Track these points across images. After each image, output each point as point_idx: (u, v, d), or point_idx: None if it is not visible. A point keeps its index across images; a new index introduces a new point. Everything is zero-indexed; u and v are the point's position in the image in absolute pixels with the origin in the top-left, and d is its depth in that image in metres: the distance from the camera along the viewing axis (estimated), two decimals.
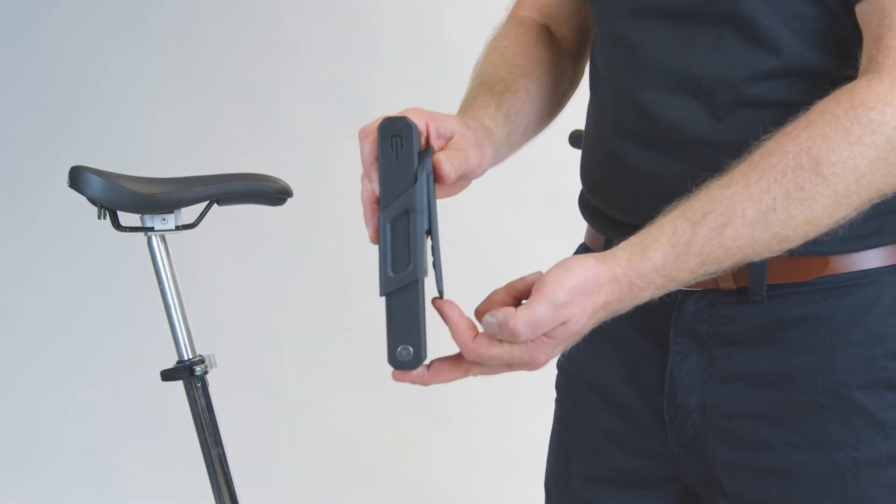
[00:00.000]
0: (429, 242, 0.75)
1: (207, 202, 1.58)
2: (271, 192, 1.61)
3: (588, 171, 0.99)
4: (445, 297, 0.77)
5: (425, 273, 0.73)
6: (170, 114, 3.12)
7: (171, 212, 1.57)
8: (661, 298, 0.79)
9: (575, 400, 1.01)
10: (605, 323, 0.79)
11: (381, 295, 0.71)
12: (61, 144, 3.19)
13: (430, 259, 0.75)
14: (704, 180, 0.78)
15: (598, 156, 0.96)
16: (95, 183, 1.48)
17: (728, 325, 0.88)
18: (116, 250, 3.07)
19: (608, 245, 0.93)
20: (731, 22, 0.82)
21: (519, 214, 2.75)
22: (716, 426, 0.89)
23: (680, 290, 0.82)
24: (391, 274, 0.70)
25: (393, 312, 0.71)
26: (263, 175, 1.62)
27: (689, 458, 0.92)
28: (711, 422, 0.89)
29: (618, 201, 0.93)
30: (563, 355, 0.85)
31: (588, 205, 1.00)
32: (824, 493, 0.84)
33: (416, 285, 0.71)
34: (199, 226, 1.61)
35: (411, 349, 0.72)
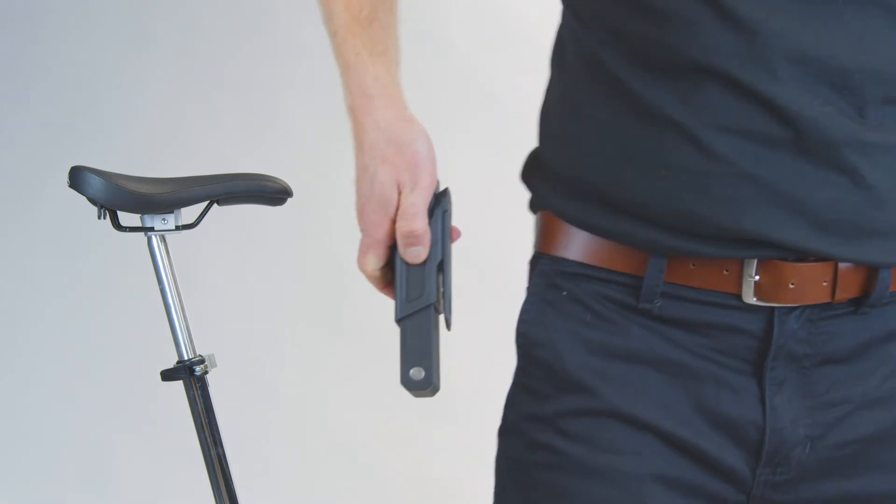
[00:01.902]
0: (441, 276, 0.80)
1: (207, 202, 1.58)
2: (271, 192, 1.61)
3: (646, 178, 0.80)
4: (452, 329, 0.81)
5: (437, 300, 0.77)
6: (170, 114, 3.12)
7: (171, 212, 1.57)
8: (733, 319, 0.79)
9: (609, 446, 0.81)
10: (650, 350, 0.77)
11: (396, 320, 0.76)
12: (61, 144, 3.19)
13: (440, 290, 0.79)
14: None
15: (667, 157, 0.79)
16: (95, 183, 1.48)
17: (831, 343, 0.80)
18: (116, 250, 3.07)
19: (655, 275, 0.80)
20: (881, 4, 0.74)
21: (517, 216, 2.75)
22: (823, 457, 0.81)
23: (773, 308, 0.78)
24: (406, 300, 0.76)
25: (407, 336, 0.76)
26: (263, 175, 1.62)
27: (780, 497, 0.82)
28: (819, 453, 0.81)
29: (715, 211, 0.78)
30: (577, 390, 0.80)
31: (630, 222, 0.81)
32: None
33: (428, 310, 0.76)
34: (199, 226, 1.61)
35: (423, 370, 0.75)
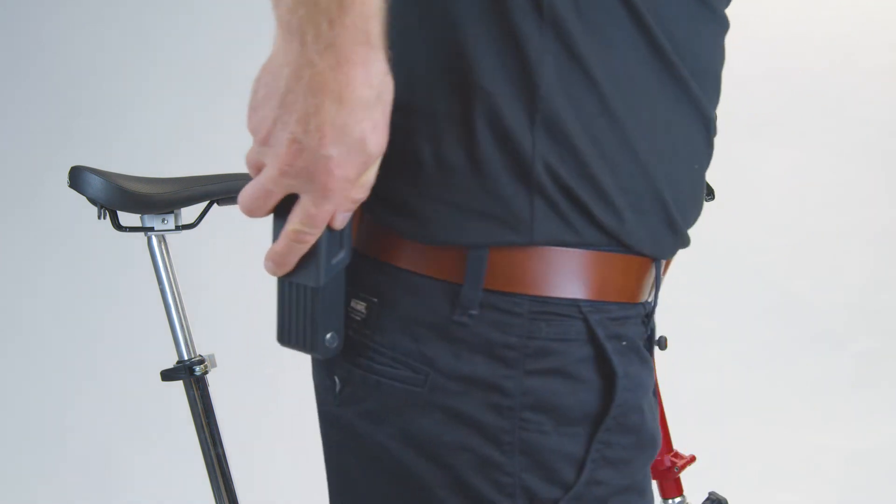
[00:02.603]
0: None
1: (207, 202, 1.58)
2: None
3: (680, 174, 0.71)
4: None
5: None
6: (170, 114, 3.12)
7: (171, 212, 1.57)
8: None
9: None
10: None
11: (320, 285, 0.65)
12: (61, 144, 3.19)
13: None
14: None
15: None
16: (95, 183, 1.48)
17: None
18: (116, 250, 3.07)
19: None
20: None
21: None
22: None
23: None
24: (327, 264, 0.65)
25: (325, 300, 0.66)
26: None
27: None
28: None
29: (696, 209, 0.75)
30: None
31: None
32: None
33: (342, 274, 0.67)
34: (199, 226, 1.61)
35: (337, 336, 0.67)
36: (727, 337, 2.93)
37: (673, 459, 1.47)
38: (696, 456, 1.50)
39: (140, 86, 3.16)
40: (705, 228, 3.19)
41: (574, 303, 0.66)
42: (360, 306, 0.69)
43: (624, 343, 0.68)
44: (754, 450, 2.76)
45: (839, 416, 2.88)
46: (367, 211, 0.70)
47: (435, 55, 0.61)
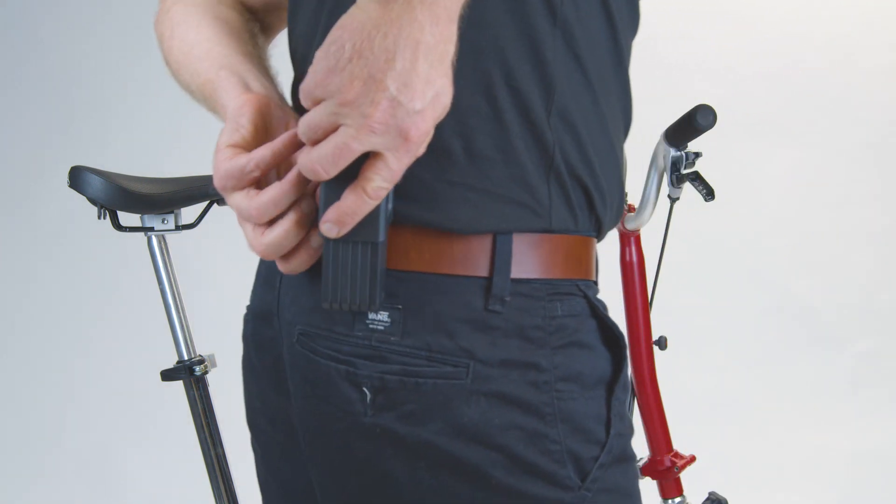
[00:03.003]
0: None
1: (207, 202, 1.58)
2: None
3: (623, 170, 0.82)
4: None
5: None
6: (170, 114, 3.12)
7: (171, 212, 1.56)
8: None
9: None
10: None
11: (381, 239, 0.66)
12: (61, 144, 3.19)
13: None
14: None
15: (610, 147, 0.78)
16: (95, 183, 1.48)
17: None
18: (116, 250, 3.07)
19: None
20: None
21: None
22: None
23: None
24: (387, 218, 0.67)
25: (384, 255, 0.68)
26: None
27: None
28: None
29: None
30: None
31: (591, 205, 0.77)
32: None
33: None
34: (199, 226, 1.61)
35: (384, 292, 0.69)
36: (727, 337, 2.93)
37: (673, 459, 1.47)
38: (696, 456, 1.50)
39: (140, 86, 3.15)
40: (706, 228, 3.20)
41: (573, 283, 0.74)
42: (383, 315, 0.71)
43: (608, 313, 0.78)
44: (754, 450, 2.76)
45: (839, 416, 2.88)
46: None
47: (461, 54, 0.63)
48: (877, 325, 2.93)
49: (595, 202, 0.74)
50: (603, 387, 0.75)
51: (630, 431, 0.78)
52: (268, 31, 0.95)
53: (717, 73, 2.91)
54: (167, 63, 0.87)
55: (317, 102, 0.60)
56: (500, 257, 0.70)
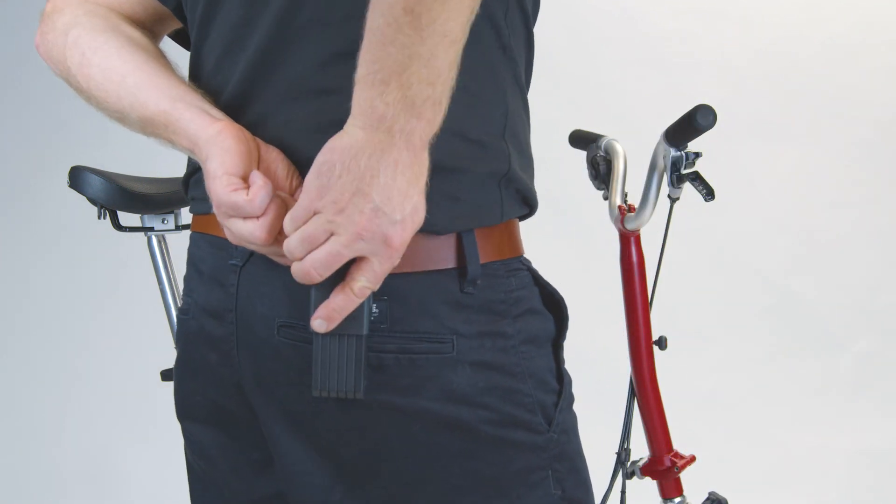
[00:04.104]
0: None
1: None
2: None
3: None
4: None
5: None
6: None
7: (171, 212, 1.56)
8: None
9: None
10: None
11: (365, 333, 0.78)
12: (61, 144, 3.19)
13: None
14: None
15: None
16: (95, 183, 1.48)
17: None
18: (116, 250, 3.07)
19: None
20: None
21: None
22: None
23: None
24: (371, 312, 0.79)
25: (367, 347, 0.79)
26: None
27: None
28: None
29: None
30: None
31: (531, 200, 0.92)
32: None
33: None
34: None
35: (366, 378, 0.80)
36: (727, 337, 2.93)
37: (673, 459, 1.47)
38: (696, 456, 1.50)
39: None
40: (705, 228, 3.21)
41: (518, 259, 0.88)
42: (372, 307, 0.81)
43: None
44: (754, 450, 2.76)
45: (839, 416, 2.88)
46: None
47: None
48: (877, 325, 2.93)
49: (530, 193, 0.89)
50: (550, 344, 0.89)
51: (570, 380, 0.92)
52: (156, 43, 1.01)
53: (717, 73, 2.91)
54: (81, 88, 0.92)
55: (308, 217, 0.71)
56: (468, 249, 0.82)
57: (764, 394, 2.88)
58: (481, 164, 0.83)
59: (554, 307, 0.90)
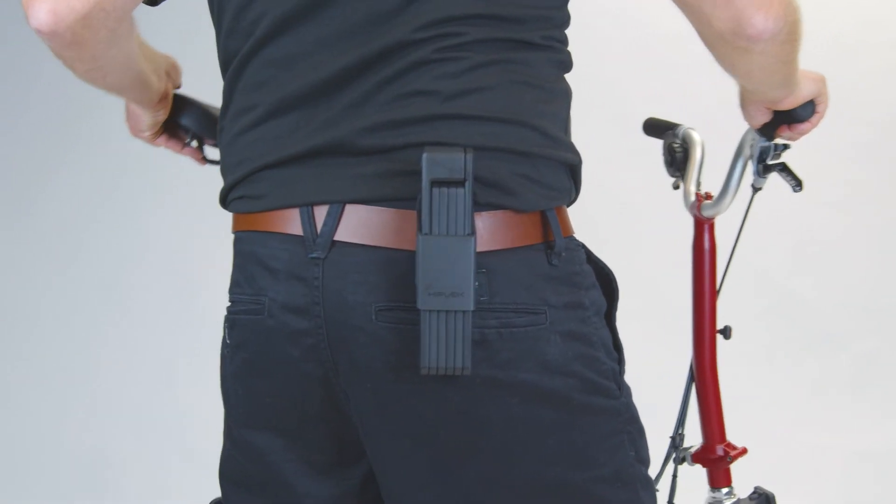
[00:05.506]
0: None
1: None
2: None
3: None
4: None
5: None
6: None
7: None
8: None
9: None
10: None
11: (472, 308, 0.82)
12: (61, 144, 3.19)
13: None
14: None
15: None
16: (194, 111, 1.44)
17: None
18: (117, 250, 3.07)
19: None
20: None
21: None
22: None
23: None
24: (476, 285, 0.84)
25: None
26: None
27: None
28: None
29: None
30: None
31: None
32: None
33: None
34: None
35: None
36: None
37: (726, 449, 1.48)
38: (747, 448, 1.51)
39: None
40: None
41: (573, 238, 0.95)
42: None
43: None
44: (753, 449, 2.76)
45: (839, 416, 2.88)
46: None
47: (527, 98, 0.93)
48: (877, 326, 2.93)
49: (579, 184, 0.98)
50: (603, 315, 0.94)
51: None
52: None
53: (717, 73, 2.91)
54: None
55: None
56: (553, 225, 0.89)
57: (763, 393, 2.88)
58: (557, 155, 0.92)
59: (604, 280, 0.96)
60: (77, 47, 0.96)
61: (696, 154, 1.46)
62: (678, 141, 1.48)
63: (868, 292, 2.93)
